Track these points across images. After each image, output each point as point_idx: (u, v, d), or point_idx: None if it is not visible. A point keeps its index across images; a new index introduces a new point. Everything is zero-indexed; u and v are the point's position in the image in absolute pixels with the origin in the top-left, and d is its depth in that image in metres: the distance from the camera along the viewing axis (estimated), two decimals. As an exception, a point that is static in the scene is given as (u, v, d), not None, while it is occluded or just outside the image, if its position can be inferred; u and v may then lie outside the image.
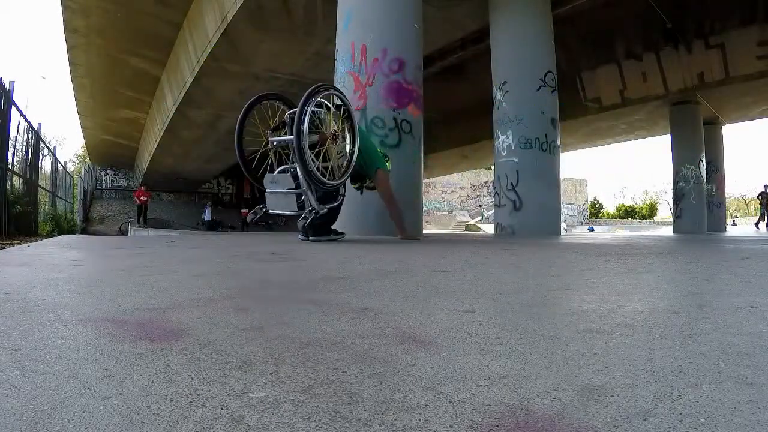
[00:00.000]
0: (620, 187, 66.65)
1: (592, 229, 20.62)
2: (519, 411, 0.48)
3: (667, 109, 11.07)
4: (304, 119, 3.01)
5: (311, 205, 3.16)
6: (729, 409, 0.48)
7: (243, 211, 19.51)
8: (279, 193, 3.23)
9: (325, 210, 3.25)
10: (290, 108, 3.40)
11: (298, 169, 3.14)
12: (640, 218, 39.26)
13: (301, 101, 3.08)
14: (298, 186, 3.15)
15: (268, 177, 3.26)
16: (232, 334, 0.78)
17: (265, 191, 3.29)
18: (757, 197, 15.81)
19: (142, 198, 18.04)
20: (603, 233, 14.44)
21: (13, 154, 7.19)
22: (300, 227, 3.43)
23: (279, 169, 3.32)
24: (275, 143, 3.30)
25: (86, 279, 1.43)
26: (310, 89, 3.15)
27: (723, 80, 9.21)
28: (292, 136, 3.10)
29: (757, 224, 15.05)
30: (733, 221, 26.55)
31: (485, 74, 6.53)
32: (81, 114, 15.89)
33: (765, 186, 15.08)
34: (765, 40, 8.40)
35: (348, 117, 3.43)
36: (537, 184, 5.89)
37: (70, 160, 36.51)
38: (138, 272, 1.56)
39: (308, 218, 3.19)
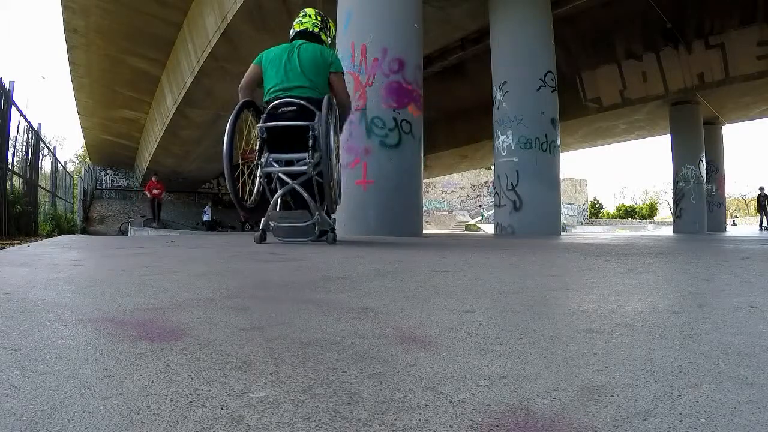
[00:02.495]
0: (620, 187, 66.94)
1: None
2: (519, 411, 0.48)
3: (667, 109, 11.08)
4: (330, 138, 2.73)
5: (325, 222, 2.95)
6: (729, 409, 0.48)
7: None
8: (296, 226, 2.97)
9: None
10: (257, 114, 3.05)
11: (304, 193, 2.84)
12: (640, 218, 39.28)
13: (322, 119, 2.72)
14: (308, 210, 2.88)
15: (275, 214, 2.95)
16: (232, 334, 0.78)
17: (273, 225, 3.00)
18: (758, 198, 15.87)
19: (154, 191, 14.82)
20: (603, 233, 14.45)
21: (13, 154, 7.19)
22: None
23: (276, 197, 2.94)
24: (268, 170, 2.88)
25: (86, 279, 1.43)
26: (326, 104, 2.79)
27: (723, 80, 9.22)
28: (303, 161, 2.76)
29: (762, 227, 15.09)
30: (733, 221, 26.59)
31: (485, 74, 6.53)
32: (81, 114, 15.89)
33: (760, 188, 15.15)
34: (765, 40, 8.40)
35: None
36: (537, 184, 5.89)
37: (70, 160, 36.59)
38: (138, 272, 1.56)
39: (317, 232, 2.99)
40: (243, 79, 3.16)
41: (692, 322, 0.86)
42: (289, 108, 2.90)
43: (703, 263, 1.96)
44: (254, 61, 3.16)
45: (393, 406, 0.49)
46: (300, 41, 3.11)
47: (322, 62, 3.02)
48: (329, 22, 3.28)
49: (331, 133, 2.80)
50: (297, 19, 3.22)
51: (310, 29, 3.15)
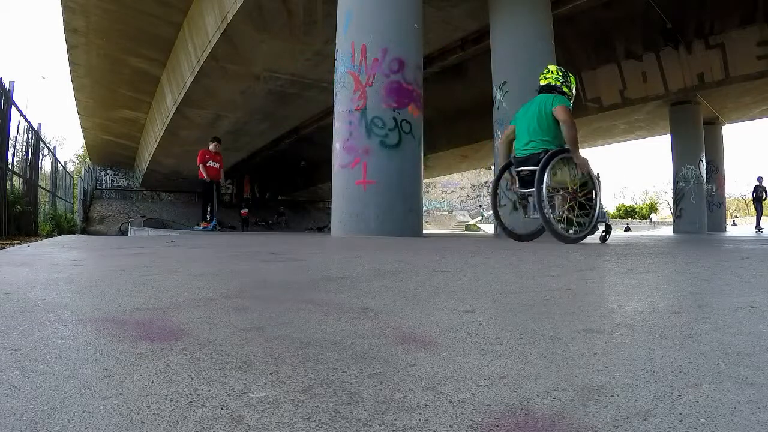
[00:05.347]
0: (620, 187, 66.92)
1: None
2: (519, 411, 0.48)
3: (667, 109, 11.07)
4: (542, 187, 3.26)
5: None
6: (729, 409, 0.48)
7: (243, 211, 19.49)
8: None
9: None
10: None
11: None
12: (640, 218, 39.33)
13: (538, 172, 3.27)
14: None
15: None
16: (232, 334, 0.78)
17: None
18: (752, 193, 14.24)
19: (210, 165, 7.93)
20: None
21: (13, 154, 7.20)
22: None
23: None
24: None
25: (86, 279, 1.43)
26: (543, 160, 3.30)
27: (723, 80, 9.21)
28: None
29: (758, 227, 13.83)
30: (733, 221, 26.57)
31: (485, 74, 6.52)
32: (81, 114, 15.89)
33: (759, 179, 13.22)
34: (765, 40, 8.39)
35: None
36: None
37: (70, 160, 36.53)
38: (138, 272, 1.56)
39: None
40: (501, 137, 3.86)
41: (692, 322, 0.86)
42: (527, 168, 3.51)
43: (703, 263, 1.96)
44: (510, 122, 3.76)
45: (393, 406, 0.49)
46: (541, 95, 3.50)
47: (544, 111, 3.42)
48: (570, 76, 3.60)
49: (544, 180, 3.23)
50: (541, 75, 3.62)
51: (553, 83, 3.51)
